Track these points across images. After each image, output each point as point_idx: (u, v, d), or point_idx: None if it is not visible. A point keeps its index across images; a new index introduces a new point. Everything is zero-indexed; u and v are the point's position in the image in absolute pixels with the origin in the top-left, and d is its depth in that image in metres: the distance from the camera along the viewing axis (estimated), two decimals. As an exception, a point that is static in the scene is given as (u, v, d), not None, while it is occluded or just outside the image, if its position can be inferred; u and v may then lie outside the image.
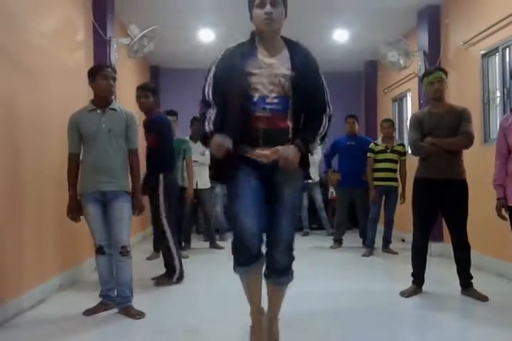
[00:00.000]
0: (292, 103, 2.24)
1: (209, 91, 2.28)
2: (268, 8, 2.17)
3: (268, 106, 2.18)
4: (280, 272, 2.29)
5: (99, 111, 3.25)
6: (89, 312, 3.22)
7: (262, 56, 2.23)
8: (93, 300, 3.33)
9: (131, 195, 3.31)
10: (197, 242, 6.39)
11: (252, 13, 2.25)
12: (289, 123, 2.25)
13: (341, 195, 6.13)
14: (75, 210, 3.26)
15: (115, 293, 3.31)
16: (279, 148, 2.19)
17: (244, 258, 2.21)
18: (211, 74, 2.31)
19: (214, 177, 2.39)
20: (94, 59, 4.96)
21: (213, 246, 6.11)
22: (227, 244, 6.48)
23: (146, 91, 4.17)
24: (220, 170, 2.36)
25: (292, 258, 2.30)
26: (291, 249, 2.29)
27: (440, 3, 5.58)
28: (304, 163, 2.30)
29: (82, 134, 3.23)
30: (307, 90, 2.24)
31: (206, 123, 2.23)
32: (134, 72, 7.00)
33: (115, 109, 3.29)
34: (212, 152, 2.17)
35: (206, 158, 5.89)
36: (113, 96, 3.43)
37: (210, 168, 2.43)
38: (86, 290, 3.82)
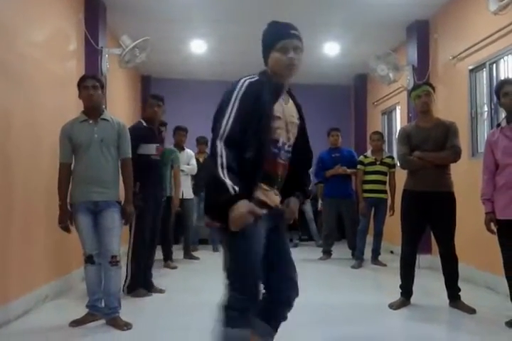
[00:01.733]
0: (292, 151, 2.15)
1: (235, 128, 1.89)
2: (292, 54, 2.04)
3: (285, 154, 2.08)
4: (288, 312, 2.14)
5: (91, 122, 3.26)
6: (75, 323, 3.20)
7: (280, 100, 2.08)
8: (80, 310, 3.30)
9: (121, 204, 3.31)
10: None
11: (271, 55, 2.06)
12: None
13: (328, 206, 6.17)
14: (66, 220, 3.24)
15: (102, 304, 3.29)
16: (292, 200, 2.16)
17: (246, 321, 1.93)
18: (235, 109, 1.93)
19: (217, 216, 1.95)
20: (86, 69, 4.97)
21: (189, 256, 6.10)
22: (215, 255, 6.49)
23: (159, 101, 4.23)
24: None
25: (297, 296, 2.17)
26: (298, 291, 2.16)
27: (429, 18, 5.68)
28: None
29: (75, 144, 3.24)
30: (304, 139, 2.20)
31: (228, 181, 1.80)
32: (126, 82, 7.02)
33: (107, 119, 3.31)
34: (237, 219, 1.79)
35: (191, 168, 5.92)
36: (104, 106, 3.44)
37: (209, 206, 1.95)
38: (73, 301, 3.79)
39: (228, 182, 1.79)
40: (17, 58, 3.45)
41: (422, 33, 5.74)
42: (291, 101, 2.16)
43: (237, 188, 1.79)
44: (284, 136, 2.07)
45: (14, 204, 3.33)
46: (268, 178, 2.02)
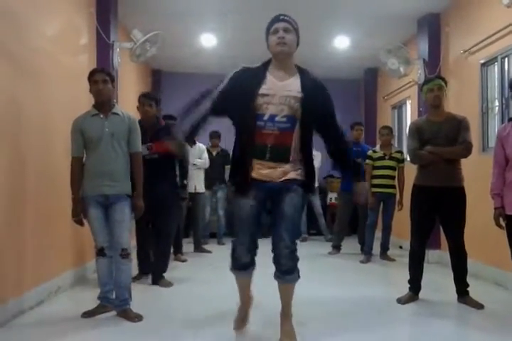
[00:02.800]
0: (300, 124, 2.50)
1: (214, 103, 2.55)
2: (281, 33, 2.45)
3: (277, 124, 2.45)
4: (287, 272, 2.56)
5: (102, 116, 3.29)
6: (87, 314, 3.24)
7: (275, 79, 2.49)
8: (92, 301, 3.36)
9: (131, 197, 3.34)
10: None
11: (268, 40, 2.53)
12: (293, 143, 2.51)
13: (344, 201, 6.09)
14: (80, 213, 3.28)
15: (113, 296, 3.33)
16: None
17: (238, 266, 2.66)
18: (223, 86, 2.56)
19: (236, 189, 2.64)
20: (97, 63, 5.00)
21: (199, 250, 6.15)
22: (223, 248, 6.53)
23: (150, 100, 4.23)
24: (238, 184, 2.62)
25: (296, 260, 2.57)
26: (293, 253, 2.55)
27: (440, 11, 5.63)
28: (310, 177, 2.67)
29: (86, 138, 3.27)
30: (316, 112, 2.52)
31: (190, 118, 2.57)
32: (136, 76, 7.05)
33: (118, 114, 3.33)
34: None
35: (203, 162, 5.94)
36: (115, 100, 3.47)
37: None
38: (85, 292, 3.85)
39: (188, 125, 2.62)
40: (29, 51, 3.48)
41: (433, 27, 5.69)
42: (294, 77, 2.54)
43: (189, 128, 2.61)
44: (273, 109, 2.45)
45: (27, 197, 3.38)
46: (257, 152, 2.48)
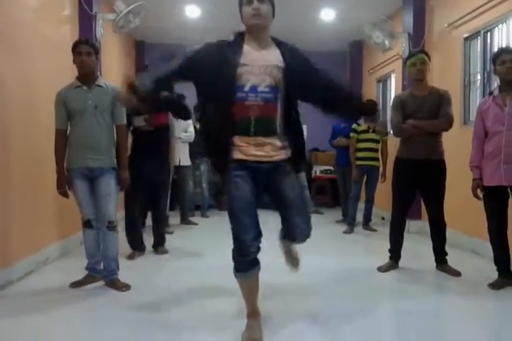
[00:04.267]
0: (284, 94, 2.33)
1: (181, 63, 2.36)
2: (255, 4, 2.26)
3: (260, 95, 2.26)
4: (301, 243, 2.57)
5: (85, 88, 3.28)
6: (75, 284, 3.31)
7: (252, 49, 2.32)
8: (80, 272, 3.42)
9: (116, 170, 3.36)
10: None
11: (241, 11, 2.34)
12: (278, 114, 2.34)
13: (337, 175, 6.50)
14: (64, 185, 3.30)
15: (101, 266, 3.40)
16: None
17: (242, 266, 2.34)
18: (192, 51, 2.41)
19: (213, 166, 2.52)
20: (80, 34, 4.92)
21: (186, 222, 6.22)
22: (208, 220, 6.62)
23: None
24: (216, 163, 2.46)
25: (309, 235, 2.50)
26: (309, 231, 2.49)
27: (426, -16, 5.61)
28: (301, 153, 2.49)
29: (69, 110, 3.26)
30: (300, 82, 2.33)
31: (152, 78, 2.35)
32: (120, 48, 6.94)
33: (101, 86, 3.32)
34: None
35: (189, 136, 5.93)
36: (98, 72, 3.44)
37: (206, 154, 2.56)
38: (73, 263, 3.90)
39: (148, 82, 2.35)
40: (10, 22, 3.43)
41: (418, 0, 5.68)
42: (273, 48, 2.36)
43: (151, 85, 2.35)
44: (254, 79, 2.26)
45: (12, 170, 3.38)
46: (240, 127, 2.28)
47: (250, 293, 2.47)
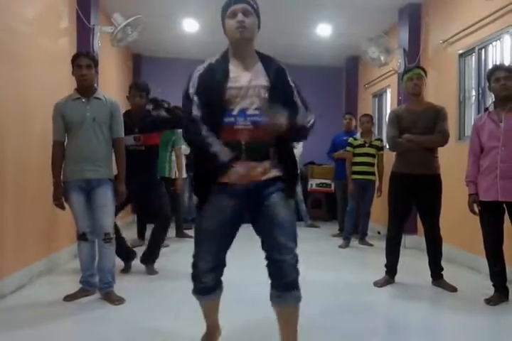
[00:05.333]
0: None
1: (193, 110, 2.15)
2: (240, 16, 2.12)
3: (249, 118, 2.12)
4: (291, 286, 2.11)
5: (83, 100, 3.28)
6: (69, 297, 3.27)
7: (238, 69, 2.18)
8: (73, 286, 3.38)
9: (114, 182, 3.35)
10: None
11: (225, 24, 2.19)
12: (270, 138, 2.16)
13: (337, 188, 6.55)
14: (61, 197, 3.28)
15: (96, 280, 3.37)
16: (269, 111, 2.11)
17: (197, 289, 2.22)
18: (191, 93, 2.19)
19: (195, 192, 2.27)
20: (78, 46, 4.95)
21: (181, 235, 6.19)
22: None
23: (141, 91, 4.13)
24: (198, 189, 2.24)
25: (298, 272, 2.12)
26: (297, 261, 2.12)
27: (421, 1, 5.69)
28: (293, 171, 2.29)
29: (67, 122, 3.26)
30: (280, 100, 2.16)
31: (215, 151, 2.07)
32: (117, 61, 6.98)
33: (100, 98, 3.32)
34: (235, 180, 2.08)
35: (184, 148, 5.92)
36: (96, 85, 3.45)
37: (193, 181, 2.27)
38: (66, 277, 3.87)
39: (220, 151, 2.07)
40: (8, 34, 3.43)
41: (414, 16, 5.75)
42: (257, 64, 2.21)
43: (229, 156, 2.08)
44: (242, 103, 2.13)
45: (5, 182, 3.36)
46: (228, 147, 2.08)
47: (208, 310, 2.36)
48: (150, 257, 4.20)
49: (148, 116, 4.18)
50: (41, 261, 3.90)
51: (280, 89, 2.19)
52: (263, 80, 2.17)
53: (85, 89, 3.30)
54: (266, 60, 2.24)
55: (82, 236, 3.31)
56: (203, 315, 2.38)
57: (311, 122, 2.22)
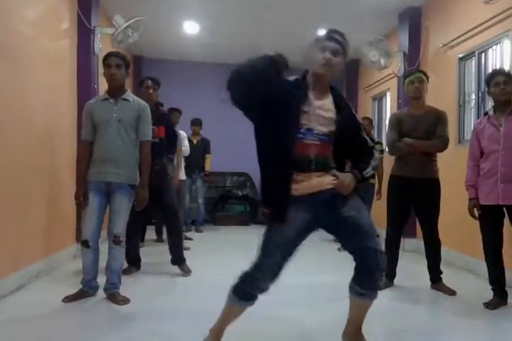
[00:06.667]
0: (334, 141, 2.29)
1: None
2: (328, 54, 2.22)
3: (316, 136, 2.23)
4: (376, 288, 2.39)
5: (111, 101, 3.29)
6: (68, 298, 3.26)
7: (313, 97, 2.26)
8: (72, 287, 3.38)
9: (135, 187, 3.31)
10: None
11: (311, 52, 2.27)
12: (330, 155, 2.29)
13: None
14: (80, 196, 3.27)
15: (96, 283, 3.38)
16: (337, 173, 2.24)
17: (248, 296, 2.27)
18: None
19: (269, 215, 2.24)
20: (78, 48, 4.96)
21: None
22: (202, 235, 6.60)
23: (155, 84, 4.23)
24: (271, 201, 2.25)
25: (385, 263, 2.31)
26: (383, 270, 2.34)
27: (421, 5, 5.71)
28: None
29: (95, 123, 3.27)
30: (349, 132, 2.32)
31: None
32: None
33: (128, 100, 3.32)
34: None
35: (184, 150, 5.93)
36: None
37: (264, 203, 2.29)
38: (65, 277, 3.86)
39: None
40: (9, 35, 3.43)
41: (413, 20, 5.78)
42: (328, 97, 2.31)
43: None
44: (309, 125, 2.22)
45: (5, 182, 3.35)
46: (299, 164, 2.20)
47: (235, 316, 2.37)
48: (177, 258, 4.21)
49: (157, 109, 4.27)
50: (40, 261, 3.89)
51: (348, 124, 2.32)
52: (332, 113, 2.28)
53: (114, 89, 3.30)
54: (334, 92, 2.36)
55: (84, 243, 3.28)
56: (220, 321, 2.37)
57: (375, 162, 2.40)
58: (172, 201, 4.25)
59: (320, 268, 4.64)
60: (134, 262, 4.23)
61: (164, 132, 4.24)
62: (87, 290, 3.34)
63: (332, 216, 2.24)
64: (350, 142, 2.34)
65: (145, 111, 3.36)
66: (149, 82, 4.22)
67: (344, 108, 2.34)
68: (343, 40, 2.30)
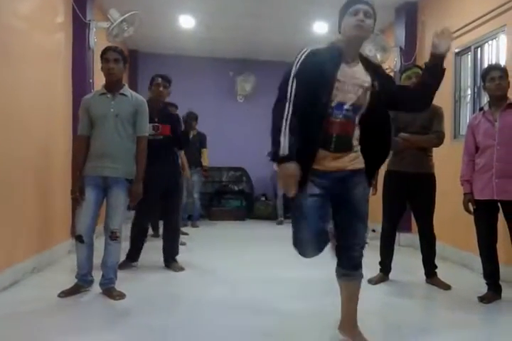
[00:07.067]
0: (365, 112, 2.31)
1: (292, 92, 2.17)
2: (361, 16, 2.24)
3: (343, 113, 2.23)
4: (357, 266, 2.51)
5: (109, 96, 3.27)
6: (64, 293, 3.26)
7: (346, 64, 2.27)
8: (67, 282, 3.37)
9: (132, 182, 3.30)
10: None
11: (343, 21, 2.31)
12: (354, 132, 2.31)
13: None
14: (76, 191, 3.25)
15: (90, 278, 3.38)
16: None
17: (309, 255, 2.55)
18: (293, 74, 2.20)
19: None
20: (74, 42, 4.94)
21: None
22: (198, 230, 6.61)
23: (166, 82, 4.23)
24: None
25: (362, 256, 2.50)
26: (363, 247, 2.48)
27: (418, 0, 5.69)
28: (372, 172, 2.43)
29: (92, 117, 3.25)
30: (383, 99, 2.32)
31: (285, 143, 2.12)
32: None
33: (125, 95, 3.31)
34: (281, 181, 2.17)
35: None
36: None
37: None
38: (60, 272, 3.86)
39: (284, 144, 2.10)
40: (3, 29, 3.40)
41: (410, 15, 5.76)
42: (359, 64, 2.32)
43: (287, 152, 2.10)
44: (341, 96, 2.22)
45: (0, 178, 3.34)
46: (323, 143, 2.23)
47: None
48: (170, 255, 4.23)
49: (165, 107, 4.29)
50: (35, 256, 3.89)
51: (381, 89, 2.31)
52: (364, 80, 2.28)
53: (112, 83, 3.29)
54: (366, 60, 2.37)
55: (78, 238, 3.27)
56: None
57: None
58: (180, 202, 4.32)
59: (314, 262, 4.64)
60: (132, 258, 4.23)
61: (170, 131, 4.18)
62: (82, 285, 3.34)
63: (340, 195, 2.31)
64: (393, 96, 2.34)
65: (142, 106, 3.35)
66: (159, 80, 4.21)
67: (375, 73, 2.34)
68: (371, 2, 2.33)
